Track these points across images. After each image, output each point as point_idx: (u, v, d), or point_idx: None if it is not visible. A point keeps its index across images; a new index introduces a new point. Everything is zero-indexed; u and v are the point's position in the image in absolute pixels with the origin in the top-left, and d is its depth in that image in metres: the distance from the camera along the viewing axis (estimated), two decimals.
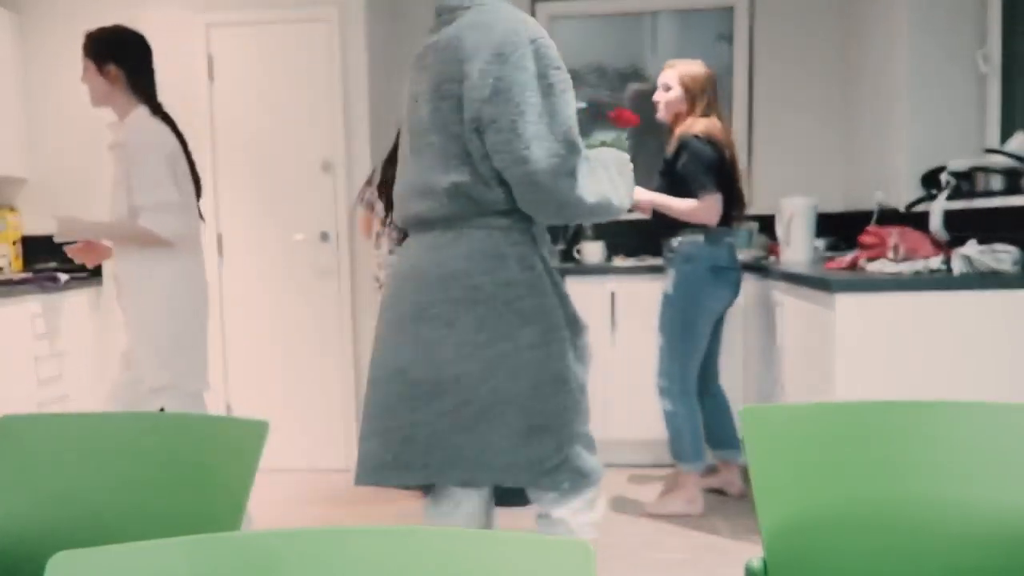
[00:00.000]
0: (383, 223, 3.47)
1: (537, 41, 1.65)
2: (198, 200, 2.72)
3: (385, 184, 3.42)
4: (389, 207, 3.44)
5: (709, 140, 3.10)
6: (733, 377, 3.78)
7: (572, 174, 1.64)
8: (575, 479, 1.75)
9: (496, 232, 1.71)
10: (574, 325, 1.78)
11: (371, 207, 3.49)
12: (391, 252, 3.44)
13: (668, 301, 3.25)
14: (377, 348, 1.80)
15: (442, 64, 1.68)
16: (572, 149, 1.64)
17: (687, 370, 3.25)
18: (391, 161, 3.46)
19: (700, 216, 3.12)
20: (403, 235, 3.16)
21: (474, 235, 1.71)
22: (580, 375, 1.78)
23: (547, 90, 1.62)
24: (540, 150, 1.60)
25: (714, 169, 3.09)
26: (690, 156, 3.10)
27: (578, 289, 3.80)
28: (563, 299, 1.78)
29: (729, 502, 3.40)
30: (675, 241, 3.21)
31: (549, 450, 1.71)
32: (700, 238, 3.17)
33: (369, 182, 3.55)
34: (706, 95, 3.18)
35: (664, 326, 3.27)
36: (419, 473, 1.73)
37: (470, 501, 1.81)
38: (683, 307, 3.21)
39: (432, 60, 1.71)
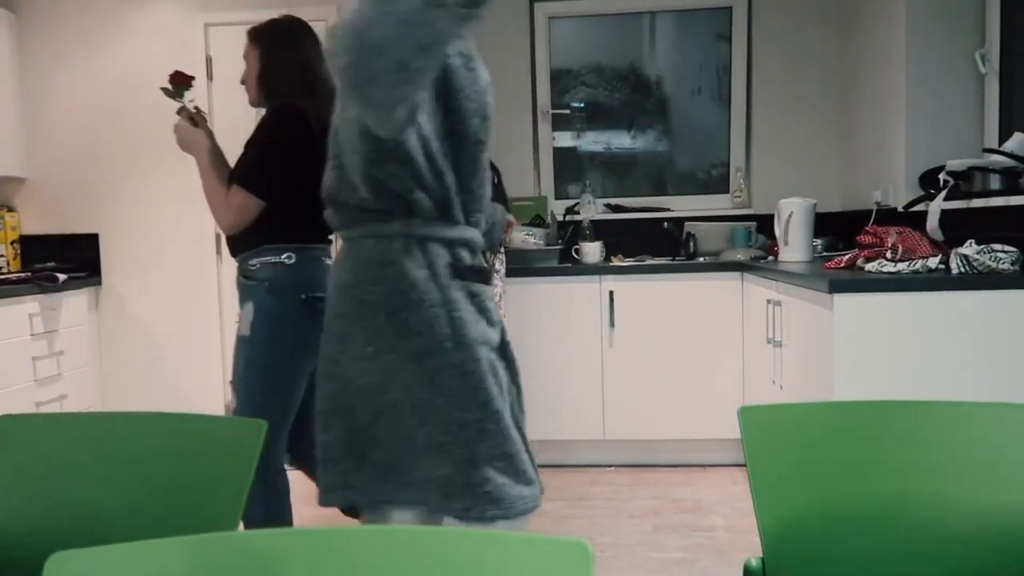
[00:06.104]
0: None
1: None
2: None
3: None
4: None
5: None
6: (732, 377, 3.78)
7: None
8: (480, 505, 1.56)
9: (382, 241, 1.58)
10: (464, 340, 1.58)
11: None
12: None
13: (244, 344, 2.32)
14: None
15: None
16: None
17: (276, 445, 2.33)
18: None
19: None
20: None
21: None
22: (488, 391, 1.58)
23: None
24: None
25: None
26: None
27: (576, 288, 3.81)
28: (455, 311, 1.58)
29: (728, 500, 3.40)
30: (253, 262, 2.33)
31: (448, 471, 1.57)
32: (287, 257, 2.37)
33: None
34: None
35: (243, 381, 2.32)
36: (338, 495, 1.63)
37: (404, 520, 1.67)
38: (268, 353, 2.30)
39: None
